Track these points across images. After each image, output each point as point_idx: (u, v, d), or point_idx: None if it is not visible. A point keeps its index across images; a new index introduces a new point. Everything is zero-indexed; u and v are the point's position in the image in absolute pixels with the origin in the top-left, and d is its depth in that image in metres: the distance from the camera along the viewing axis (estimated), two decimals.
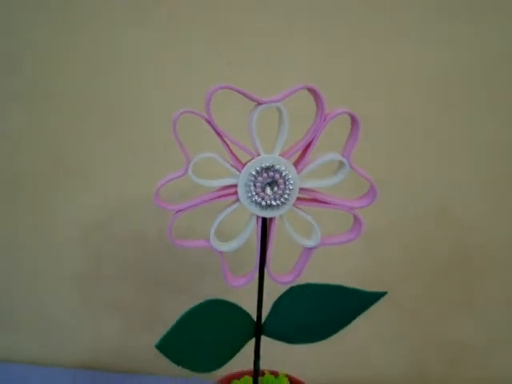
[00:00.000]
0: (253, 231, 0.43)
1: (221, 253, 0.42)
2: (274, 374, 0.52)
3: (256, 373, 0.47)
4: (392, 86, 0.61)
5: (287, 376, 0.51)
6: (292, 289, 0.44)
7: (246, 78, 0.60)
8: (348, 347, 0.68)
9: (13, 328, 0.70)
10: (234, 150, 0.41)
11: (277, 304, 0.45)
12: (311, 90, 0.40)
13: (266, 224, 0.42)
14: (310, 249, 0.43)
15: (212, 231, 0.42)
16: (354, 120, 0.41)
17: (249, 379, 0.51)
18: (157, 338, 0.68)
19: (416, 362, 0.69)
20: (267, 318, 0.45)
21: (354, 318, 0.44)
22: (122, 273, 0.67)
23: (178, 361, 0.41)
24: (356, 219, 0.43)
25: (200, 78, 0.60)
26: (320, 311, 0.44)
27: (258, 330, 0.45)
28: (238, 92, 0.39)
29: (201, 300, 0.65)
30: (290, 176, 0.40)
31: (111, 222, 0.65)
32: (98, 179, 0.65)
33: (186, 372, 0.66)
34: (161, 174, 0.64)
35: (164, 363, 0.68)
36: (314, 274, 0.65)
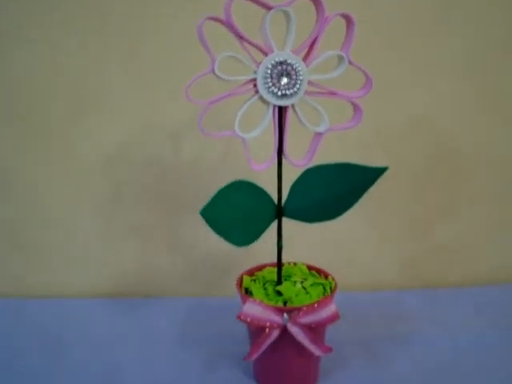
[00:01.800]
0: (270, 122, 0.50)
1: (244, 140, 0.49)
2: (293, 263, 0.59)
3: (279, 251, 0.54)
4: None
5: (304, 264, 0.58)
6: (307, 171, 0.51)
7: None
8: (346, 253, 0.75)
9: (35, 260, 0.75)
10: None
11: (294, 186, 0.52)
12: None
13: (281, 114, 0.50)
14: (320, 134, 0.51)
15: (237, 121, 0.49)
16: (349, 20, 0.49)
17: (270, 269, 0.58)
18: (175, 262, 0.75)
19: (409, 263, 0.76)
20: (287, 200, 0.52)
21: (362, 193, 0.51)
22: (139, 198, 0.73)
23: (216, 228, 0.47)
24: (356, 107, 0.51)
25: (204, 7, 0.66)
26: (333, 188, 0.51)
27: (279, 211, 0.52)
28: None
29: None
30: (300, 68, 0.48)
31: (128, 149, 0.72)
32: (115, 107, 0.71)
33: (203, 291, 0.74)
34: (173, 101, 0.71)
35: (182, 285, 0.75)
36: None
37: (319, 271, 0.57)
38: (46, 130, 0.71)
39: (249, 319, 0.50)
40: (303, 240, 0.68)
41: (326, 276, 0.56)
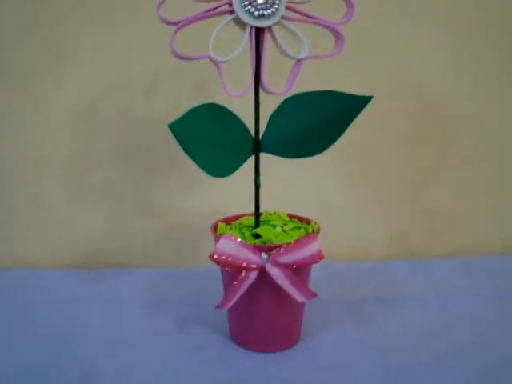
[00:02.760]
0: (247, 49, 0.47)
1: (219, 63, 0.46)
2: (272, 212, 0.55)
3: (257, 189, 0.50)
4: None
5: (284, 212, 0.54)
6: (286, 101, 0.48)
7: None
8: (331, 220, 0.69)
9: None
10: None
11: (273, 118, 0.48)
12: None
13: (259, 40, 0.47)
14: (300, 61, 0.48)
15: (211, 43, 0.46)
16: None
17: (247, 218, 0.53)
18: (147, 228, 0.70)
19: (398, 233, 0.73)
20: (265, 133, 0.49)
21: (345, 126, 0.48)
22: (110, 157, 0.69)
23: (186, 146, 0.43)
24: (338, 35, 0.48)
25: None
26: (314, 117, 0.47)
27: (256, 145, 0.49)
28: None
29: (191, 185, 0.68)
30: None
31: (99, 105, 0.68)
32: (85, 62, 0.67)
33: (176, 261, 0.69)
34: (148, 53, 0.68)
35: (155, 253, 0.70)
36: None
37: (300, 219, 0.53)
38: (10, 81, 0.67)
39: (223, 257, 0.46)
40: (284, 206, 0.65)
41: (308, 222, 0.52)
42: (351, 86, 0.67)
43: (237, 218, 0.54)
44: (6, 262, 0.70)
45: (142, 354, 0.50)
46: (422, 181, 0.72)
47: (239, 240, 0.46)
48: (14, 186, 0.70)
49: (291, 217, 0.54)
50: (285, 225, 0.51)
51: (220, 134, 0.46)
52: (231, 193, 0.66)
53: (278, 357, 0.50)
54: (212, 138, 0.45)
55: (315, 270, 0.51)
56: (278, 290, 0.47)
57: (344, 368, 0.48)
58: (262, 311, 0.49)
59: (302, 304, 0.51)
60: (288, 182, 0.69)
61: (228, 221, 0.53)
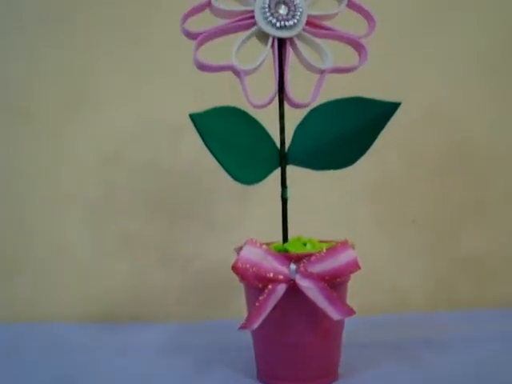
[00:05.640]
0: (269, 59, 0.46)
1: (242, 73, 0.45)
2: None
3: (284, 203, 0.46)
4: None
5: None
6: (312, 110, 0.47)
7: None
8: (373, 272, 0.65)
9: (17, 279, 0.67)
10: None
11: (299, 128, 0.47)
12: None
13: (281, 53, 0.46)
14: (323, 72, 0.47)
15: (233, 52, 0.46)
16: None
17: (275, 245, 0.49)
18: (170, 279, 0.65)
19: (441, 283, 0.66)
20: (291, 145, 0.47)
21: (375, 135, 0.45)
22: (134, 204, 0.67)
23: (207, 140, 0.41)
24: (360, 47, 0.48)
25: None
26: (342, 128, 0.46)
27: (282, 157, 0.46)
28: None
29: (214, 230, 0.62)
30: (297, 1, 0.46)
31: (124, 152, 0.67)
32: (110, 109, 0.67)
33: (201, 313, 0.64)
34: (171, 99, 0.67)
35: (178, 309, 0.64)
36: (326, 190, 0.67)
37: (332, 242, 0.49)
38: (35, 129, 0.68)
39: (247, 265, 0.41)
40: None
41: None
42: None
43: (266, 244, 0.50)
44: (19, 314, 0.66)
45: None
46: (460, 220, 0.67)
47: (265, 247, 0.42)
48: (33, 235, 0.68)
49: (322, 242, 0.50)
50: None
51: (245, 139, 0.45)
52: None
53: None
54: (236, 141, 0.44)
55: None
56: (312, 309, 0.42)
57: None
58: (294, 336, 0.43)
59: (340, 329, 0.45)
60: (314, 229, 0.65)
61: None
